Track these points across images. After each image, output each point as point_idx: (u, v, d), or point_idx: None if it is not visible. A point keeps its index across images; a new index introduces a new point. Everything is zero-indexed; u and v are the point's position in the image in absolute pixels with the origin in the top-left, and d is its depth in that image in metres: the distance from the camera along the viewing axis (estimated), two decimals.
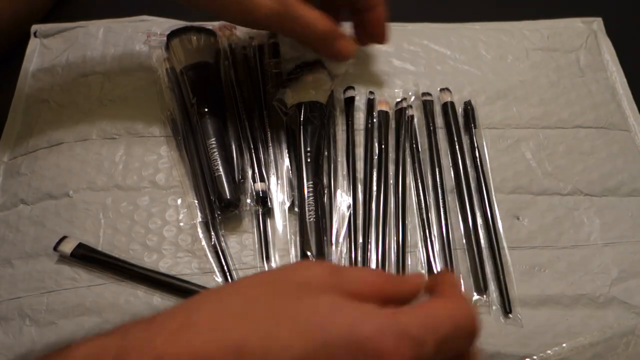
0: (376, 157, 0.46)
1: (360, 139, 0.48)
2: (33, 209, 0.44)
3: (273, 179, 0.45)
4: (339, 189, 0.45)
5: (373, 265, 0.42)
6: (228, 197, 0.42)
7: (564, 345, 0.39)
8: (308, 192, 0.42)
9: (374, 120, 0.49)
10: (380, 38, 0.48)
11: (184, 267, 0.41)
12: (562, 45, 0.55)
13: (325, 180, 0.44)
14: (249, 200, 0.44)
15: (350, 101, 0.50)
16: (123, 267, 0.41)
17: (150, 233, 0.43)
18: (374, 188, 0.45)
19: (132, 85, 0.50)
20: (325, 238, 0.42)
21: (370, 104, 0.50)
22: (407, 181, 0.46)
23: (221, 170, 0.43)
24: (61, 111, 0.49)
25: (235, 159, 0.45)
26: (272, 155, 0.46)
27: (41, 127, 0.49)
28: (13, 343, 0.39)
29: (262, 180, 0.44)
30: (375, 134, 0.48)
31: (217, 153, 0.43)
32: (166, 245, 0.42)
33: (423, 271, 0.42)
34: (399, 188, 0.45)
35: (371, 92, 0.50)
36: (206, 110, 0.45)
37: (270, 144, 0.46)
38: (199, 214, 0.43)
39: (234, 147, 0.46)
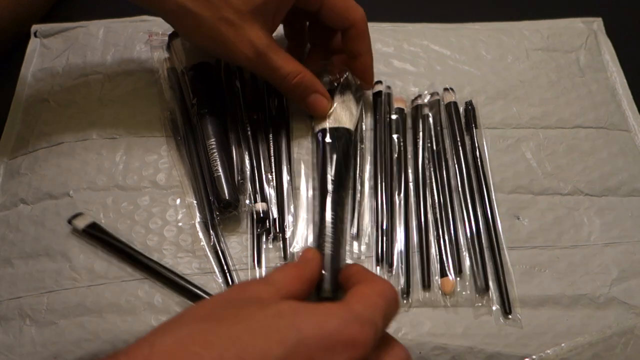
0: (396, 155, 0.46)
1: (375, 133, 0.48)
2: (33, 209, 0.44)
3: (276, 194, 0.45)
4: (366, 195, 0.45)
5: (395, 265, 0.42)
6: (227, 198, 0.42)
7: (563, 345, 0.39)
8: (329, 225, 0.41)
9: (391, 117, 0.48)
10: (366, 84, 0.49)
11: (185, 267, 0.41)
12: (562, 45, 0.55)
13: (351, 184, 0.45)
14: (247, 201, 0.44)
15: (378, 95, 0.49)
16: (130, 254, 0.41)
17: (151, 233, 0.43)
18: (395, 185, 0.45)
19: (133, 85, 0.50)
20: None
21: (387, 100, 0.49)
22: (426, 178, 0.46)
23: (220, 170, 0.43)
24: (61, 111, 0.49)
25: (235, 159, 0.45)
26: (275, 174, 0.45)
27: (41, 127, 0.49)
28: (13, 343, 0.39)
29: (263, 200, 0.44)
30: (392, 130, 0.48)
31: (216, 153, 0.43)
32: (166, 245, 0.42)
33: (438, 277, 0.42)
34: (419, 185, 0.45)
35: (388, 87, 0.50)
36: (206, 110, 0.45)
37: (273, 161, 0.46)
38: (198, 214, 0.43)
39: (234, 148, 0.46)
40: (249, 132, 0.47)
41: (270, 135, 0.47)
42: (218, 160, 0.43)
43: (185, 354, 0.24)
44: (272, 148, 0.46)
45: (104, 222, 0.43)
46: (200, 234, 0.43)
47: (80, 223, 0.42)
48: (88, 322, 0.39)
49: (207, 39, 0.42)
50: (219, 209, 0.42)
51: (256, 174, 0.45)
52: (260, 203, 0.43)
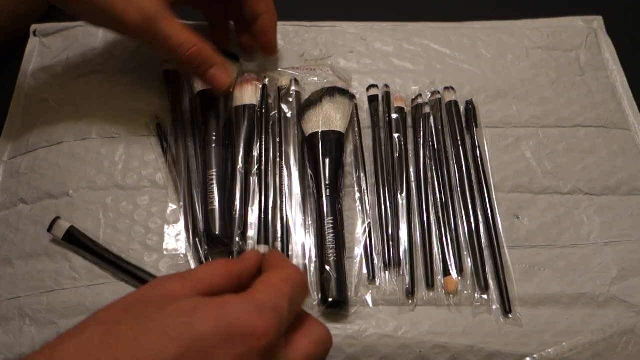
0: (397, 154, 0.46)
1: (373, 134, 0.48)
2: (33, 209, 0.44)
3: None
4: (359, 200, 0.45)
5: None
6: (217, 233, 0.41)
7: (564, 344, 0.39)
8: (328, 228, 0.41)
9: (392, 116, 0.48)
10: (268, 48, 0.47)
11: (184, 267, 0.41)
12: (562, 44, 0.55)
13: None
14: (238, 238, 0.41)
15: (374, 99, 0.49)
16: (107, 258, 0.41)
17: (151, 233, 0.43)
18: (397, 185, 0.45)
19: (132, 85, 0.50)
20: (347, 279, 0.40)
21: (386, 99, 0.49)
22: (428, 177, 0.45)
23: (216, 204, 0.41)
24: (61, 110, 0.49)
25: (233, 192, 0.43)
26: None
27: (41, 126, 0.49)
28: (13, 342, 0.39)
29: (266, 242, 0.42)
30: (393, 130, 0.48)
31: (214, 185, 0.42)
32: (166, 244, 0.42)
33: (440, 277, 0.42)
34: (421, 184, 0.45)
35: (386, 86, 0.50)
36: (214, 138, 0.44)
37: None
38: (186, 244, 0.42)
39: (239, 182, 0.43)
40: (263, 167, 0.44)
41: (278, 170, 0.45)
42: (216, 192, 0.42)
43: (83, 359, 0.24)
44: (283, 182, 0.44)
45: (104, 222, 0.43)
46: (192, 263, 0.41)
47: (58, 232, 0.41)
48: None
49: (91, 5, 0.39)
50: (208, 244, 0.41)
51: (262, 215, 0.42)
52: (262, 246, 0.41)
